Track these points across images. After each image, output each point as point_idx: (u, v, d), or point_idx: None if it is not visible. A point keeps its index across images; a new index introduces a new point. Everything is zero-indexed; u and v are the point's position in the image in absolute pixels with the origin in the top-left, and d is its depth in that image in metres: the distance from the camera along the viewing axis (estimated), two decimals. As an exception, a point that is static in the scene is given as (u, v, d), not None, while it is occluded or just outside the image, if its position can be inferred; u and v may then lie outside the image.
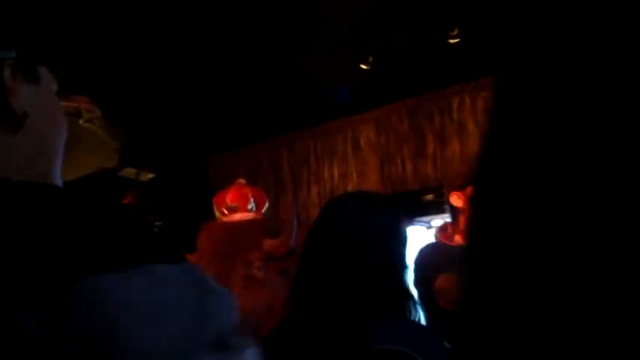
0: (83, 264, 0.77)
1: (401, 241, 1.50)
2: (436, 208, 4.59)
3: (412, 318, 1.40)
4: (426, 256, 2.50)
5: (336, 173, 5.16)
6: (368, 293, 1.35)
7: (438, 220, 4.51)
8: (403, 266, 1.49)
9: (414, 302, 1.44)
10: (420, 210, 4.59)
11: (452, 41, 3.86)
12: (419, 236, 4.46)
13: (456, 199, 2.55)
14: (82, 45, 3.45)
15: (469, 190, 2.49)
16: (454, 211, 2.61)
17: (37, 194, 0.80)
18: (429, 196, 4.62)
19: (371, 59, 4.05)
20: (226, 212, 2.42)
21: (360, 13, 3.55)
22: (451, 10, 3.60)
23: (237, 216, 2.37)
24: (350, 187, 4.90)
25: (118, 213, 0.84)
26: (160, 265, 0.83)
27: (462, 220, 2.55)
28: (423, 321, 1.45)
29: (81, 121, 1.07)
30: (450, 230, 2.62)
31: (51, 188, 0.86)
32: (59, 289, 0.74)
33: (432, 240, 2.72)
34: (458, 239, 2.52)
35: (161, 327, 0.83)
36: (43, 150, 0.86)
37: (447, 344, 1.34)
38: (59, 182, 0.92)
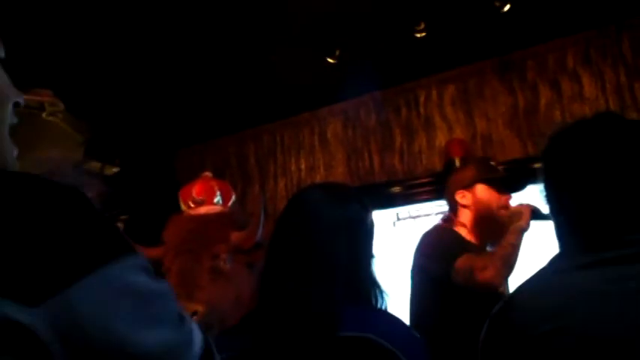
0: (78, 260, 0.78)
1: (367, 232, 1.52)
2: (402, 200, 4.64)
3: (379, 306, 1.42)
4: (444, 239, 2.68)
5: (303, 166, 5.17)
6: (334, 282, 1.36)
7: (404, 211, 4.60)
8: (370, 256, 1.51)
9: (381, 291, 1.46)
10: (387, 202, 4.63)
11: (418, 35, 3.88)
12: (386, 226, 4.53)
13: (462, 197, 2.76)
14: (45, 38, 3.41)
15: (476, 188, 2.67)
16: (454, 207, 2.82)
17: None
18: (396, 189, 4.66)
19: (337, 53, 4.05)
20: (192, 205, 2.41)
21: (326, 7, 3.55)
22: (417, 3, 3.63)
23: (204, 209, 2.36)
24: (317, 180, 4.91)
25: (86, 209, 0.84)
26: (132, 256, 0.85)
27: (463, 213, 2.77)
28: (389, 309, 1.46)
29: (44, 115, 1.06)
30: (452, 221, 2.81)
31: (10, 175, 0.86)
32: (57, 286, 0.75)
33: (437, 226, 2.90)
34: (458, 229, 2.75)
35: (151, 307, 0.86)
36: None
37: (415, 333, 1.36)
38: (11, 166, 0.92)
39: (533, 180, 2.40)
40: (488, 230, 2.66)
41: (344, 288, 1.37)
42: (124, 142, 4.64)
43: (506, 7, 3.63)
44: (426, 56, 4.30)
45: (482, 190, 2.70)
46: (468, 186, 2.75)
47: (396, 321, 1.38)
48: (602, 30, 4.10)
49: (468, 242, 2.65)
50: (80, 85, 3.74)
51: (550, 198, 1.23)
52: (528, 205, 2.53)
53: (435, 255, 2.56)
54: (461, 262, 2.40)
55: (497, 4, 3.63)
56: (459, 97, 4.59)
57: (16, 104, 0.96)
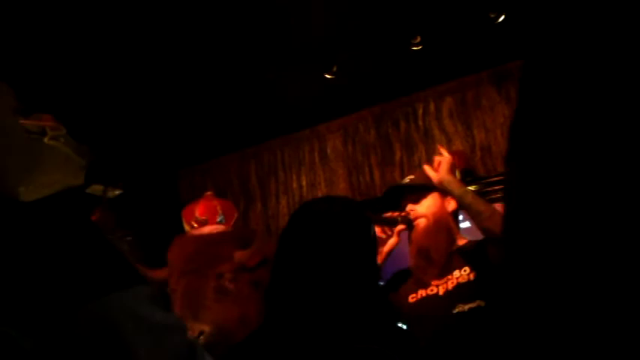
0: (83, 287, 0.78)
1: (370, 244, 1.52)
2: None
3: (386, 318, 1.42)
4: None
5: (304, 183, 5.18)
6: (341, 295, 1.36)
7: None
8: (374, 268, 1.51)
9: (387, 302, 1.46)
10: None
11: (415, 48, 3.90)
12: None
13: None
14: (46, 62, 3.43)
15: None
16: None
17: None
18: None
19: (335, 69, 4.07)
20: (195, 225, 2.42)
21: (323, 23, 3.58)
22: (413, 17, 3.65)
23: (207, 229, 2.37)
24: (319, 196, 4.91)
25: (93, 236, 0.85)
26: (140, 286, 0.85)
27: None
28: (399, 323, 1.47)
29: (45, 139, 1.07)
30: None
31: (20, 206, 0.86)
32: (63, 312, 0.75)
33: None
34: None
35: (161, 342, 0.85)
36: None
37: (418, 340, 1.36)
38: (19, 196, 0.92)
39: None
40: None
41: (350, 300, 1.37)
42: (126, 164, 4.65)
43: (501, 18, 3.65)
44: (423, 69, 4.32)
45: None
46: None
47: (403, 332, 1.38)
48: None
49: None
50: (81, 109, 3.75)
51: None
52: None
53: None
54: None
55: (493, 15, 3.65)
56: (457, 109, 4.60)
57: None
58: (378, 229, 2.34)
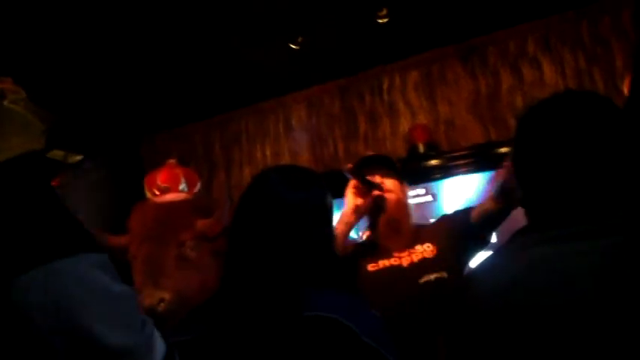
0: (28, 254, 0.78)
1: (326, 214, 1.52)
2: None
3: (340, 287, 1.43)
4: None
5: (268, 153, 5.18)
6: (296, 264, 1.37)
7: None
8: (330, 237, 1.52)
9: (342, 271, 1.48)
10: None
11: (381, 21, 3.90)
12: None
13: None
14: (6, 25, 3.36)
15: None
16: None
17: None
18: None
19: (300, 39, 4.05)
20: (157, 193, 2.40)
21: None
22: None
23: (169, 196, 2.36)
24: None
25: (50, 202, 0.84)
26: (92, 255, 0.85)
27: None
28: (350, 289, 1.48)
29: (5, 103, 1.06)
30: None
31: None
32: (4, 281, 0.75)
33: None
34: None
35: (109, 305, 0.86)
36: None
37: (376, 313, 1.38)
38: None
39: (495, 164, 2.43)
40: None
41: (305, 269, 1.38)
42: (88, 130, 4.59)
43: (468, -7, 3.67)
44: (389, 42, 4.33)
45: None
46: None
47: (357, 301, 1.40)
48: (561, 16, 4.17)
49: None
50: (42, 73, 3.69)
51: (519, 178, 1.26)
52: (349, 188, 2.51)
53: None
54: None
55: (459, -10, 3.67)
56: (422, 83, 4.63)
57: None
58: (352, 187, 2.45)
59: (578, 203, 1.11)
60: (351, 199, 2.47)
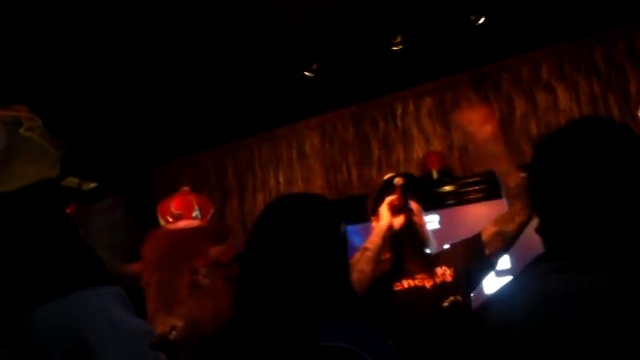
0: (42, 288, 0.77)
1: (340, 243, 1.51)
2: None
3: (355, 316, 1.41)
4: None
5: (281, 180, 5.18)
6: (310, 293, 1.36)
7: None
8: (344, 266, 1.50)
9: (356, 301, 1.46)
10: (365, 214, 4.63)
11: (395, 48, 3.91)
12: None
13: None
14: (23, 55, 3.39)
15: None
16: None
17: None
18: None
19: (315, 67, 4.07)
20: (171, 220, 2.40)
21: (303, 21, 3.57)
22: (394, 17, 3.66)
23: (182, 223, 2.36)
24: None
25: (64, 232, 0.84)
26: (107, 287, 0.84)
27: None
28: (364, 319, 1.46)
29: (21, 130, 1.06)
30: None
31: None
32: (19, 310, 0.74)
33: None
34: None
35: (124, 341, 0.84)
36: None
37: (391, 343, 1.36)
38: None
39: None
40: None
41: (320, 298, 1.36)
42: (102, 157, 4.62)
43: (482, 20, 3.67)
44: (403, 69, 4.33)
45: None
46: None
47: (371, 331, 1.38)
48: (575, 42, 4.17)
49: None
50: (57, 102, 3.72)
51: (535, 205, 1.25)
52: (385, 204, 2.56)
53: None
54: None
55: (473, 17, 3.67)
56: (435, 110, 4.63)
57: None
58: (388, 204, 2.54)
59: (595, 231, 1.10)
60: (386, 216, 2.52)
